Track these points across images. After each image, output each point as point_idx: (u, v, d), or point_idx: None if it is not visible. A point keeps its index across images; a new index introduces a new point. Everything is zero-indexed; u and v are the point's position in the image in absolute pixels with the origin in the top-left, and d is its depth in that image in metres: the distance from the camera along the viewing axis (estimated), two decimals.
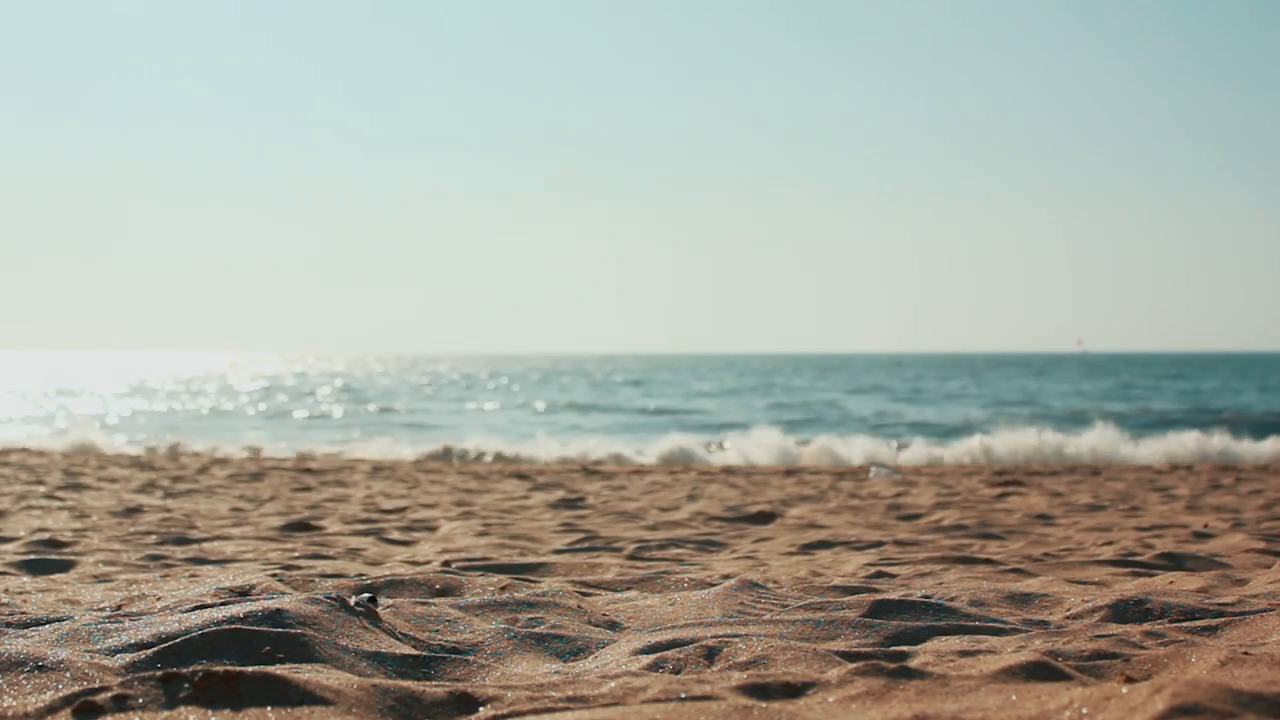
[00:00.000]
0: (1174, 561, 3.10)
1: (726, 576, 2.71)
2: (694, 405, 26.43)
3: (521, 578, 2.71)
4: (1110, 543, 3.63)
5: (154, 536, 3.74)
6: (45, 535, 3.61)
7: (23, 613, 2.06)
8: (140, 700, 1.42)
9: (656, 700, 1.48)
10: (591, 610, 2.22)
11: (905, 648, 1.89)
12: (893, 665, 1.61)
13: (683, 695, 1.50)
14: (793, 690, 1.55)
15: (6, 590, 2.39)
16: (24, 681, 1.52)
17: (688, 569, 2.98)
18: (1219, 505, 5.11)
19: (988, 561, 3.14)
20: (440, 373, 54.53)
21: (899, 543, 3.70)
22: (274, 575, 2.60)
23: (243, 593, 2.31)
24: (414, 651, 1.83)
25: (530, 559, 3.16)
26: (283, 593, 2.29)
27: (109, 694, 1.42)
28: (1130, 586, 2.63)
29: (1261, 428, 14.12)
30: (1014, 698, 1.46)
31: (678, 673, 1.74)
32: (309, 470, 7.87)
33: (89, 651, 1.73)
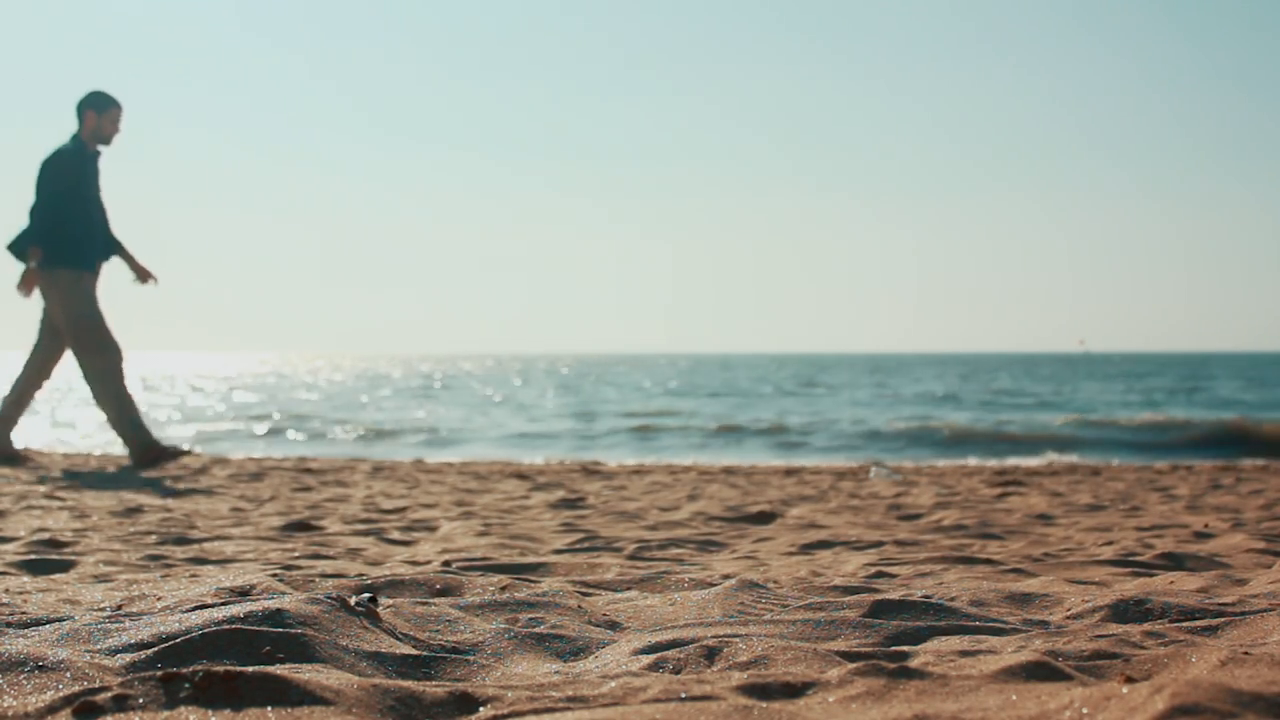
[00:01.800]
0: (1174, 561, 3.10)
1: (727, 576, 2.71)
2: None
3: (522, 578, 2.70)
4: (1110, 543, 3.63)
5: (154, 536, 3.73)
6: (45, 535, 3.61)
7: (23, 613, 2.06)
8: (140, 700, 1.42)
9: (656, 700, 1.48)
10: (591, 610, 2.22)
11: (905, 648, 1.89)
12: (893, 665, 1.61)
13: (683, 695, 1.50)
14: (793, 690, 1.55)
15: (6, 590, 2.39)
16: (24, 681, 1.52)
17: (688, 569, 2.98)
18: (1219, 505, 5.11)
19: (988, 561, 3.13)
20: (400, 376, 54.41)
21: (899, 543, 3.69)
22: (274, 575, 2.60)
23: (243, 593, 2.31)
24: (414, 651, 1.83)
25: (530, 559, 3.16)
26: (283, 593, 2.29)
27: (109, 694, 1.42)
28: (1130, 586, 2.63)
29: None
30: (1014, 698, 1.46)
31: (678, 673, 1.74)
32: (309, 470, 7.87)
33: (89, 651, 1.73)
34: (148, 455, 7.36)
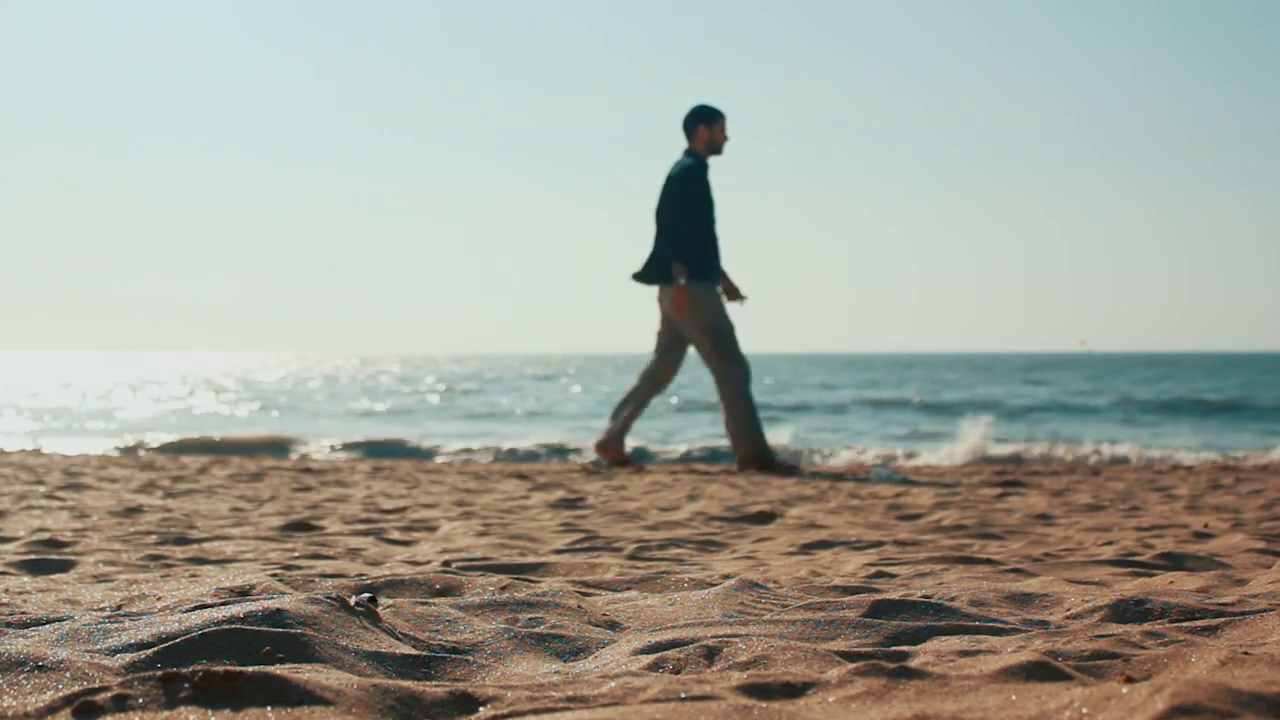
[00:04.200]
0: (1174, 561, 3.10)
1: (726, 576, 2.71)
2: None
3: (521, 578, 2.70)
4: (1110, 543, 3.63)
5: (154, 536, 3.73)
6: (45, 535, 3.60)
7: (23, 613, 2.06)
8: (140, 700, 1.42)
9: (656, 700, 1.48)
10: (591, 610, 2.22)
11: (905, 648, 1.89)
12: (893, 665, 1.61)
13: (683, 695, 1.50)
14: (793, 690, 1.55)
15: (6, 590, 2.39)
16: (24, 681, 1.52)
17: (688, 569, 2.98)
18: (1219, 505, 5.11)
19: (988, 561, 3.13)
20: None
21: (899, 543, 3.69)
22: (274, 575, 2.60)
23: (243, 593, 2.31)
24: (414, 651, 1.83)
25: (530, 559, 3.16)
26: (283, 593, 2.29)
27: (109, 694, 1.42)
28: (1130, 586, 2.63)
29: None
30: (1014, 698, 1.46)
31: (678, 673, 1.74)
32: (309, 470, 7.87)
33: (89, 651, 1.73)
34: (754, 463, 7.72)
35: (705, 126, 7.84)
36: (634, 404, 7.98)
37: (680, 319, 7.81)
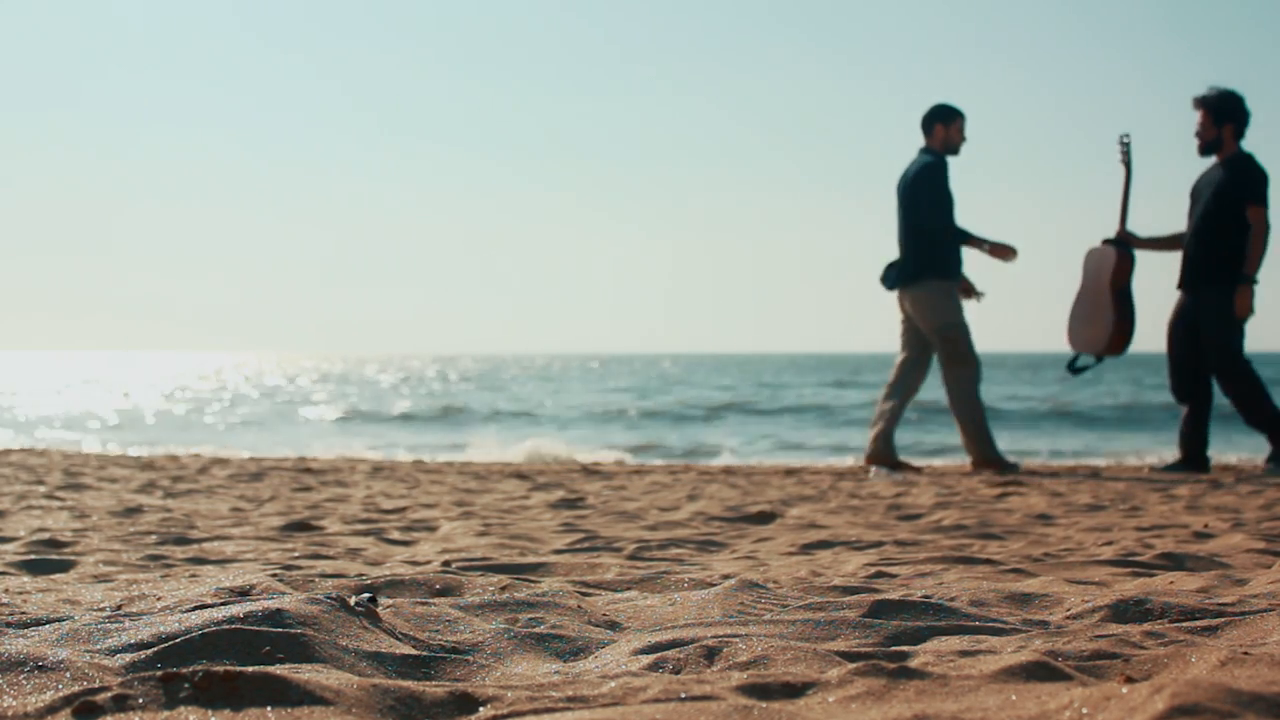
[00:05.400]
0: (1174, 561, 3.10)
1: (726, 576, 2.71)
2: None
3: (521, 578, 2.71)
4: (1110, 543, 3.63)
5: (154, 536, 3.74)
6: (45, 535, 3.61)
7: (23, 613, 2.06)
8: (140, 700, 1.42)
9: (656, 700, 1.48)
10: (591, 610, 2.22)
11: (905, 648, 1.89)
12: (893, 665, 1.61)
13: (683, 695, 1.50)
14: (793, 690, 1.55)
15: (6, 590, 2.39)
16: (24, 681, 1.52)
17: (688, 569, 2.98)
18: (1219, 505, 5.11)
19: (988, 561, 3.14)
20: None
21: (899, 543, 3.70)
22: (274, 575, 2.60)
23: (243, 593, 2.31)
24: (414, 651, 1.83)
25: (530, 559, 3.16)
26: (283, 593, 2.29)
27: (109, 694, 1.42)
28: (1130, 586, 2.63)
29: None
30: (1014, 698, 1.46)
31: (678, 673, 1.74)
32: (309, 470, 7.87)
33: (89, 651, 1.73)
34: (986, 467, 7.72)
35: (943, 125, 7.92)
36: (894, 406, 7.97)
37: (919, 318, 7.84)
